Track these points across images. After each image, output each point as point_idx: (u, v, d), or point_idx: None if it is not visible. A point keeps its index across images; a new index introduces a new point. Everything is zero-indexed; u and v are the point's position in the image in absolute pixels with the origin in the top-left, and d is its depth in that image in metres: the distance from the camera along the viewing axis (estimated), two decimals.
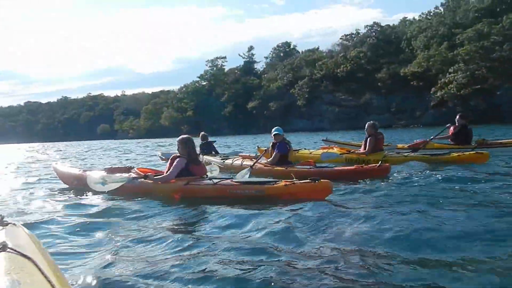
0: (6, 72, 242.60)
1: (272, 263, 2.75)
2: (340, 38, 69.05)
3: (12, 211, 4.97)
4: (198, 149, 10.87)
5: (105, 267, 2.85)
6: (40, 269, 1.45)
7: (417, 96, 50.47)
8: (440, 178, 5.81)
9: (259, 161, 7.48)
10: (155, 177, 5.62)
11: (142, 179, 5.68)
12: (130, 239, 3.52)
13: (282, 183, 4.88)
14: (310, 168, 6.92)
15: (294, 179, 4.96)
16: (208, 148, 11.02)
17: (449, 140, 9.63)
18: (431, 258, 2.73)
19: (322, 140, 12.87)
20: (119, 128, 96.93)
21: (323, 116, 59.55)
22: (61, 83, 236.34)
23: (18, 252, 1.56)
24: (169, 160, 5.72)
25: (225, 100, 72.32)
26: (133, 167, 6.67)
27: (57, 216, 4.54)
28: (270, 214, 4.12)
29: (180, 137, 5.76)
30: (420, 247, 2.93)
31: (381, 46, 58.03)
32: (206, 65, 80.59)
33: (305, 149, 10.24)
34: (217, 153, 10.98)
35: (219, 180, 5.32)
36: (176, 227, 4.00)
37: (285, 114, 61.93)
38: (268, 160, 7.51)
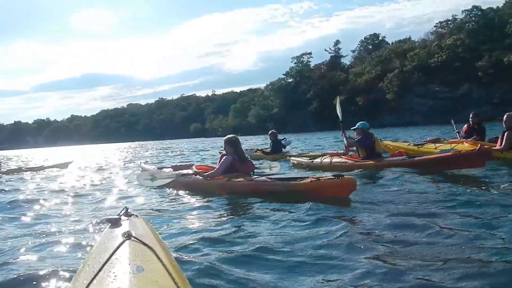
0: (112, 76, 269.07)
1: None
2: (435, 26, 64.67)
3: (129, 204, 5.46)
4: (269, 147, 11.43)
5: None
6: (159, 258, 1.59)
7: None
8: None
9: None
10: (204, 174, 5.93)
11: (194, 176, 6.09)
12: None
13: (308, 179, 4.91)
14: (404, 158, 6.80)
15: (321, 176, 5.03)
16: (278, 146, 11.53)
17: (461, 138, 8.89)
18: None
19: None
20: (209, 126, 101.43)
21: (415, 110, 56.09)
22: (158, 85, 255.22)
23: (141, 241, 1.72)
24: (219, 158, 6.05)
25: (311, 96, 71.74)
26: (193, 164, 7.11)
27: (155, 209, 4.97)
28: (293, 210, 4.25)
29: (226, 137, 6.06)
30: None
31: (482, 32, 53.07)
32: (292, 62, 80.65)
33: (432, 143, 8.96)
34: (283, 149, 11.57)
35: (256, 176, 5.55)
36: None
37: (373, 109, 59.51)
38: (359, 155, 7.42)
